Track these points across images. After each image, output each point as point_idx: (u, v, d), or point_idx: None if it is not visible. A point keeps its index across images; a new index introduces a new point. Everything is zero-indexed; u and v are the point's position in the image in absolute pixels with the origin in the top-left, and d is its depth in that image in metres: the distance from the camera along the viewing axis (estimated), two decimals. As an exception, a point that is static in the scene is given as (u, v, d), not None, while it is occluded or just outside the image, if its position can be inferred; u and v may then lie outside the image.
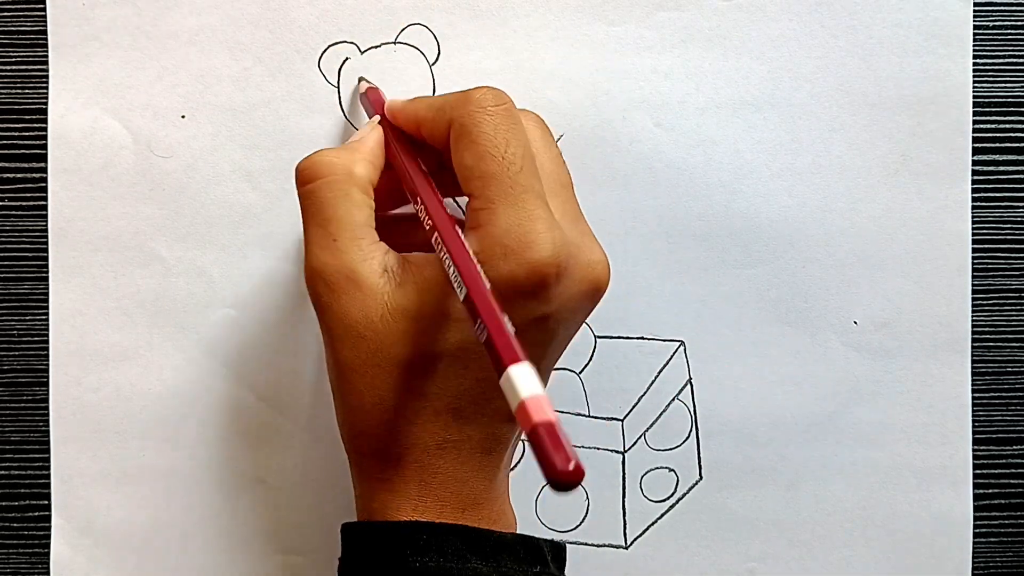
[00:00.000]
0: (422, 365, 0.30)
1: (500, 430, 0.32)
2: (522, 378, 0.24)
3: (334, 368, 0.32)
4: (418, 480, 0.31)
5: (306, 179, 0.32)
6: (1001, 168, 0.40)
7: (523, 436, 0.23)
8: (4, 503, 0.40)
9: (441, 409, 0.31)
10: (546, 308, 0.30)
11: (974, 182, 0.40)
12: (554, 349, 0.32)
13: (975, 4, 0.40)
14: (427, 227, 0.30)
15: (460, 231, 0.30)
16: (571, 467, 0.22)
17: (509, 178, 0.30)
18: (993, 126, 0.40)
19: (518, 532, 0.33)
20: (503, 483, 0.34)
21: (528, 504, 0.40)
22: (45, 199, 0.40)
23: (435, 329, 0.30)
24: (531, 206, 0.30)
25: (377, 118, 0.35)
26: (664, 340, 0.40)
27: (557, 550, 0.33)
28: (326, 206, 0.31)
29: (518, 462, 0.40)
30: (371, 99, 0.36)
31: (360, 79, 0.39)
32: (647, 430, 0.40)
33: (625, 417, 0.40)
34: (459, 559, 0.30)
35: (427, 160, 0.33)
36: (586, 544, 0.40)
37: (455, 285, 0.28)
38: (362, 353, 0.31)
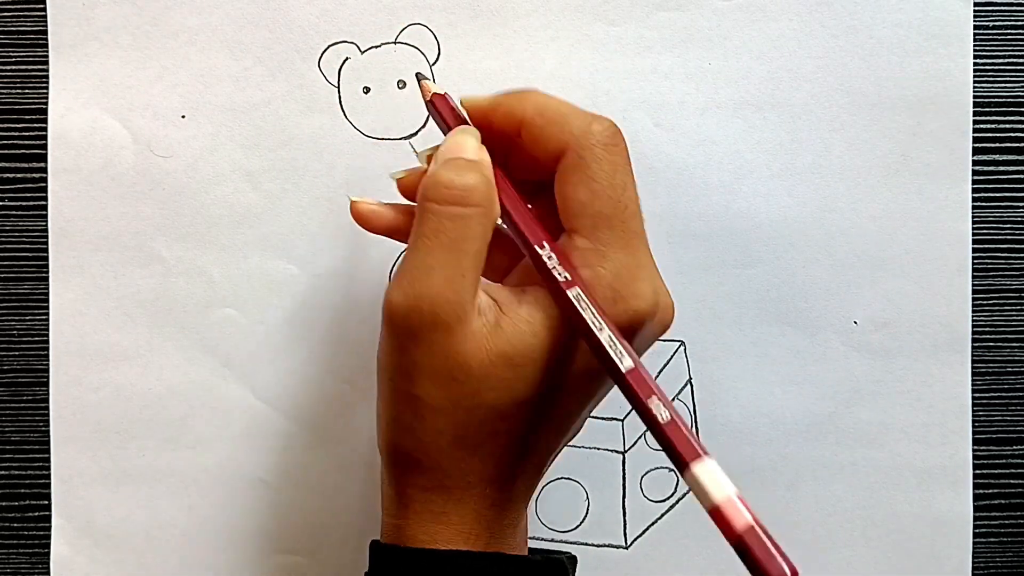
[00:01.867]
0: (514, 409, 0.29)
1: (546, 463, 0.32)
2: (713, 477, 0.24)
3: (406, 402, 0.29)
4: (475, 514, 0.30)
5: (457, 200, 0.28)
6: (1001, 168, 0.40)
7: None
8: (4, 503, 0.40)
9: (513, 445, 0.30)
10: None
11: (974, 182, 0.40)
12: (588, 409, 0.32)
13: (975, 4, 0.40)
14: (549, 273, 0.28)
15: (575, 277, 0.28)
16: (788, 572, 0.22)
17: (623, 224, 0.29)
18: (993, 126, 0.40)
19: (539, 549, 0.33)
20: (526, 514, 0.34)
21: (528, 504, 0.40)
22: (45, 199, 0.40)
23: (537, 377, 0.29)
24: (640, 254, 0.29)
25: (472, 129, 0.31)
26: (664, 340, 0.40)
27: (573, 563, 0.33)
28: (474, 238, 0.28)
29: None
30: (443, 106, 0.33)
31: (420, 77, 0.34)
32: (647, 430, 0.40)
33: (625, 417, 0.40)
34: None
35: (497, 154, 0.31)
36: (586, 544, 0.40)
37: (598, 354, 0.27)
38: (452, 395, 0.28)
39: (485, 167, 0.30)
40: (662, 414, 0.25)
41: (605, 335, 0.27)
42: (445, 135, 0.31)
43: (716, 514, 0.23)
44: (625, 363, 0.27)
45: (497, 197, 0.29)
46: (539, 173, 0.30)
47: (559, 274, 0.28)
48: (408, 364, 0.29)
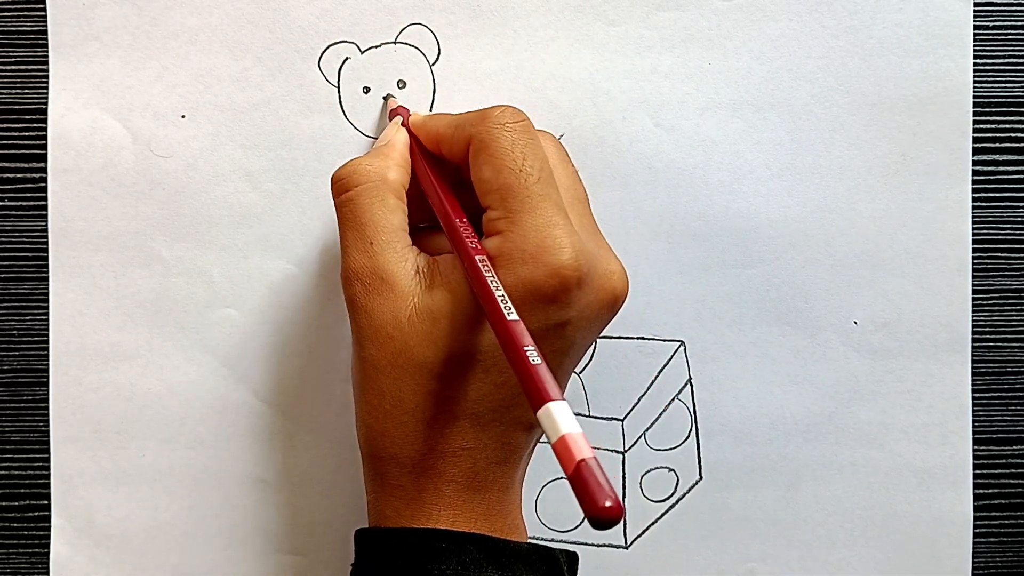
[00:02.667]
0: (444, 369, 0.31)
1: (516, 439, 0.32)
2: (561, 414, 0.25)
3: (358, 367, 0.32)
4: (433, 488, 0.31)
5: (343, 188, 0.33)
6: (1001, 168, 0.40)
7: (563, 475, 0.24)
8: (4, 503, 0.40)
9: (460, 414, 0.31)
10: (565, 314, 0.30)
11: (974, 182, 0.40)
12: (572, 358, 0.33)
13: (975, 4, 0.40)
14: (458, 242, 0.31)
15: (479, 243, 0.30)
16: (610, 504, 0.23)
17: (527, 188, 0.30)
18: (993, 126, 0.40)
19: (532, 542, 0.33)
20: (516, 495, 0.34)
21: (528, 504, 0.40)
22: (45, 199, 0.40)
23: (460, 332, 0.30)
24: (550, 213, 0.30)
25: (399, 119, 0.36)
26: (664, 340, 0.40)
27: (571, 560, 0.33)
28: (363, 212, 0.32)
29: (518, 462, 0.40)
30: (398, 114, 0.37)
31: (387, 96, 0.39)
32: (647, 430, 0.40)
33: (625, 417, 0.40)
34: (477, 568, 0.30)
35: (448, 177, 0.34)
36: (586, 544, 0.40)
37: (480, 299, 0.29)
38: (387, 353, 0.31)
39: (389, 148, 0.34)
40: (534, 358, 0.26)
41: (499, 294, 0.28)
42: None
43: (560, 446, 0.24)
44: (511, 316, 0.28)
45: (391, 172, 0.33)
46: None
47: (470, 244, 0.30)
48: (355, 332, 0.32)
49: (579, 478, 0.23)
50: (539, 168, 0.31)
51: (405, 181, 0.34)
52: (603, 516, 0.23)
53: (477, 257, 0.30)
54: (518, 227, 0.30)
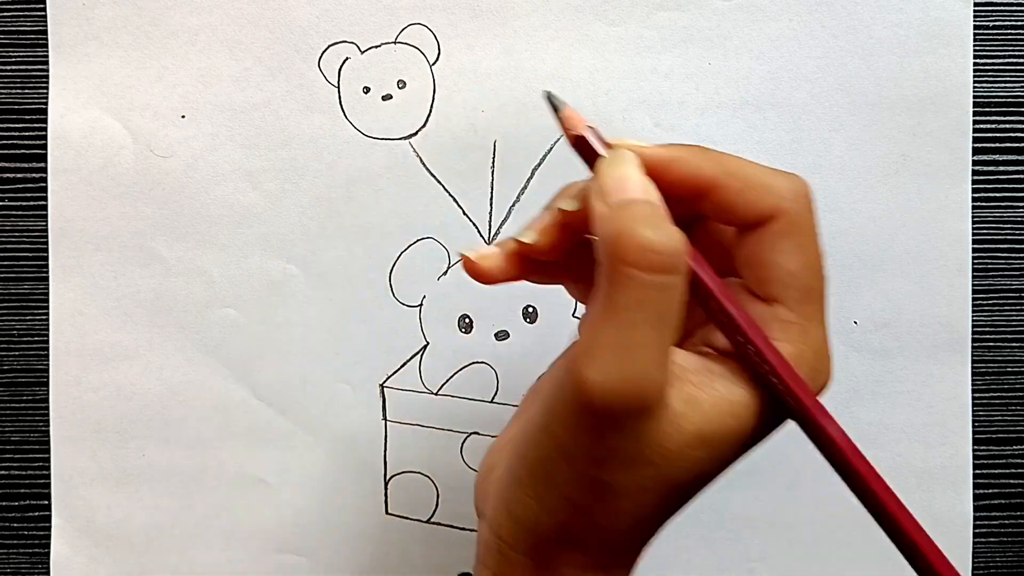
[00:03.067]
0: (693, 487, 0.27)
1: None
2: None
3: (594, 487, 0.26)
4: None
5: (668, 269, 0.24)
6: (1001, 168, 0.40)
7: None
8: (4, 503, 0.40)
9: (674, 507, 0.28)
10: None
11: (974, 182, 0.40)
12: None
13: (975, 4, 0.40)
14: (744, 345, 0.26)
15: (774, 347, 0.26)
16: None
17: (823, 297, 0.27)
18: (993, 126, 0.40)
19: None
20: None
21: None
22: (45, 199, 0.40)
23: (725, 456, 0.27)
24: (826, 329, 0.27)
25: (629, 156, 0.26)
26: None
27: None
28: (678, 312, 0.24)
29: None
30: (587, 143, 0.27)
31: (550, 97, 0.28)
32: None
33: (625, 417, 0.40)
34: None
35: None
36: (586, 544, 0.40)
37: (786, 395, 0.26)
38: (643, 478, 0.25)
39: (662, 213, 0.25)
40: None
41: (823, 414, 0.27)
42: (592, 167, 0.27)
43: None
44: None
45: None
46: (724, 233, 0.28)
47: (768, 356, 0.26)
48: (603, 450, 0.25)
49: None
50: (824, 273, 0.27)
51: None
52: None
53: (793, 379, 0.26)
54: (812, 341, 0.26)
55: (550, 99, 0.28)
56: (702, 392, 0.25)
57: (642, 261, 0.23)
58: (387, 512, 0.40)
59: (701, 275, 0.26)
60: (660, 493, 0.26)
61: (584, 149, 0.27)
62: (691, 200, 0.27)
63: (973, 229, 0.40)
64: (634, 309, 0.23)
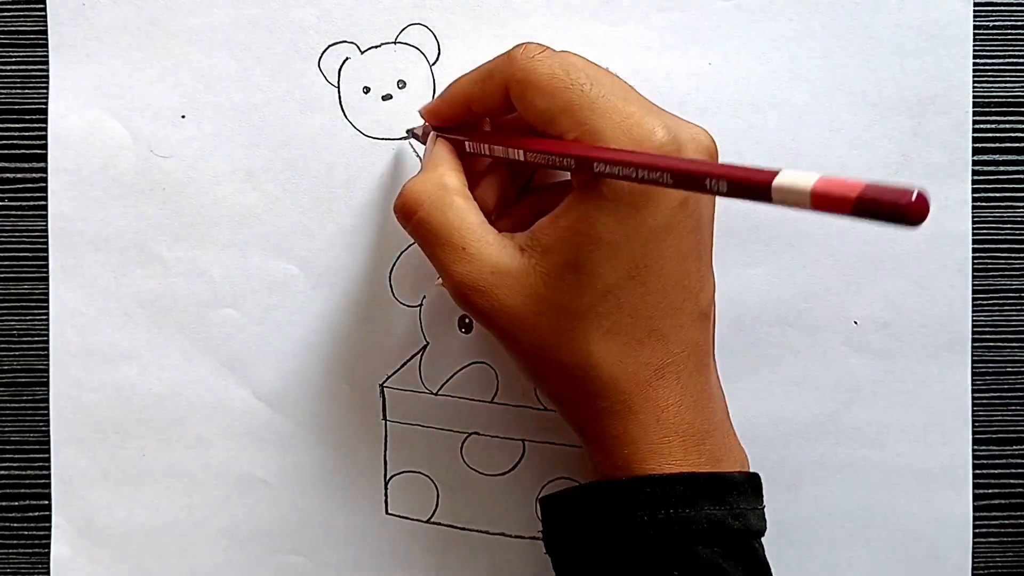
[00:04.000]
0: (606, 304, 0.31)
1: (699, 337, 0.32)
2: (798, 175, 0.23)
3: (523, 359, 0.33)
4: (654, 420, 0.31)
5: (409, 211, 0.33)
6: (1001, 168, 0.40)
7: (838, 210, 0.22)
8: (4, 503, 0.40)
9: (643, 337, 0.31)
10: (683, 191, 0.31)
11: (974, 182, 0.40)
12: (708, 232, 0.33)
13: (975, 4, 0.40)
14: (563, 162, 0.30)
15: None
16: (915, 197, 0.21)
17: (587, 96, 0.30)
18: (993, 126, 0.40)
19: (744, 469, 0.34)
20: (723, 411, 0.34)
21: (528, 504, 0.40)
22: (45, 199, 0.40)
23: (601, 264, 0.30)
24: (619, 107, 0.30)
25: (432, 134, 0.36)
26: (664, 340, 0.40)
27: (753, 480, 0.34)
28: (440, 224, 0.32)
29: (517, 463, 0.40)
30: (423, 130, 0.37)
31: (409, 131, 0.39)
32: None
33: (625, 417, 0.40)
34: (690, 506, 0.30)
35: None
36: (586, 544, 0.40)
37: (640, 179, 0.28)
38: (546, 330, 0.31)
39: (432, 160, 0.34)
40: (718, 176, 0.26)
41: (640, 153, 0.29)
42: None
43: (822, 195, 0.23)
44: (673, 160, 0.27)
45: (447, 178, 0.33)
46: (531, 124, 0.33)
47: (566, 162, 0.30)
48: (499, 334, 0.32)
49: (870, 198, 0.22)
50: (585, 77, 0.31)
51: (463, 182, 0.34)
52: (917, 208, 0.21)
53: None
54: (601, 133, 0.30)
55: (407, 132, 0.39)
56: (540, 245, 0.31)
57: (398, 221, 0.34)
58: (387, 512, 0.40)
59: (486, 145, 0.33)
60: (581, 328, 0.31)
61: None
62: (480, 114, 0.34)
63: (973, 229, 0.40)
64: (423, 246, 0.33)
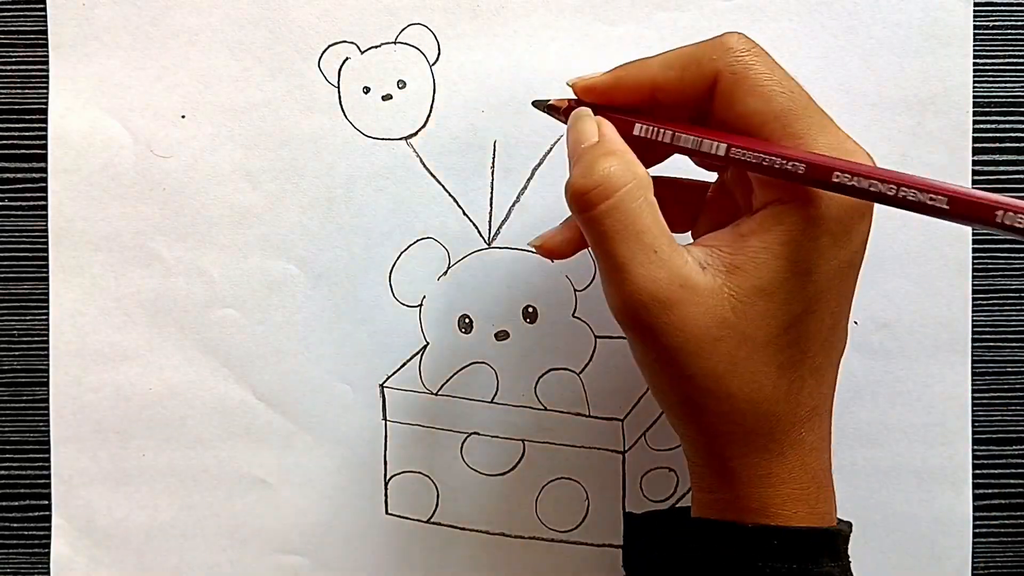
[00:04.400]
0: (788, 336, 0.29)
1: (836, 377, 0.31)
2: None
3: (684, 386, 0.29)
4: (800, 464, 0.30)
5: (602, 196, 0.28)
6: (1001, 168, 0.40)
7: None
8: (4, 503, 0.40)
9: (807, 375, 0.30)
10: (870, 222, 0.30)
11: (974, 182, 0.40)
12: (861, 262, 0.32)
13: (975, 4, 0.40)
14: (791, 167, 0.28)
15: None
16: None
17: (805, 108, 0.29)
18: (993, 126, 0.40)
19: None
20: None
21: (528, 504, 0.40)
22: (45, 199, 0.40)
23: (794, 294, 0.28)
24: (834, 126, 0.29)
25: (585, 112, 0.31)
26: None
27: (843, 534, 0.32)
28: (636, 219, 0.28)
29: (517, 463, 0.40)
30: (568, 107, 0.33)
31: (536, 103, 0.34)
32: (647, 430, 0.40)
33: (625, 417, 0.40)
34: (813, 561, 0.29)
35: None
36: (586, 544, 0.40)
37: (887, 201, 0.28)
38: (723, 356, 0.28)
39: (612, 143, 0.30)
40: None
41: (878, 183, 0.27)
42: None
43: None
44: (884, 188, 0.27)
45: (640, 168, 0.29)
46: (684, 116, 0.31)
47: (796, 166, 0.28)
48: (668, 356, 0.29)
49: None
50: (799, 87, 0.29)
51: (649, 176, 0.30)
52: None
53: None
54: (820, 149, 0.28)
55: (535, 105, 0.33)
56: (736, 256, 0.28)
57: (583, 205, 0.28)
58: (387, 512, 0.40)
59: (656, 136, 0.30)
60: (758, 358, 0.28)
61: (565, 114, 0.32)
62: (647, 103, 0.30)
63: (973, 229, 0.40)
64: (602, 242, 0.28)
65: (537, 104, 0.34)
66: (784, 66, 0.39)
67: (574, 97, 0.32)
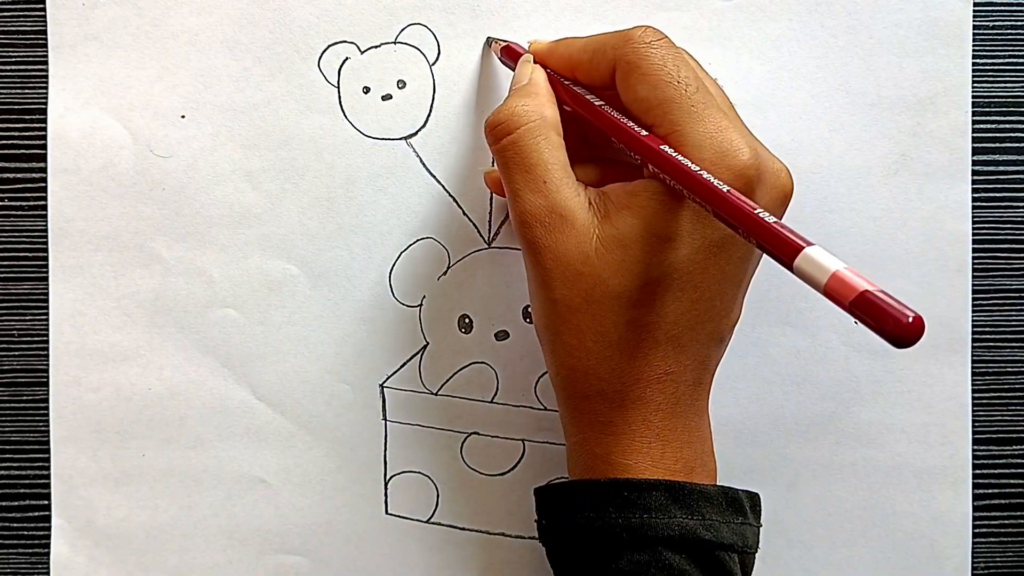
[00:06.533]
0: (641, 295, 0.31)
1: (709, 356, 0.33)
2: (824, 255, 0.24)
3: (549, 308, 0.32)
4: (642, 419, 0.32)
5: (504, 131, 0.33)
6: (1001, 168, 0.40)
7: (850, 311, 0.24)
8: (4, 503, 0.40)
9: (661, 339, 0.31)
10: None
11: (974, 182, 0.40)
12: (753, 265, 0.33)
13: (975, 4, 0.40)
14: (634, 155, 0.31)
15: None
16: (912, 318, 0.22)
17: (688, 98, 0.31)
18: (993, 126, 0.40)
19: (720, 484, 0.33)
20: (706, 427, 0.34)
21: (528, 504, 0.40)
22: (45, 199, 0.40)
23: (649, 255, 0.31)
24: (717, 119, 0.31)
25: (529, 57, 0.36)
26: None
27: (753, 501, 0.34)
28: (530, 152, 0.32)
29: (517, 463, 0.40)
30: (511, 52, 0.37)
31: (490, 39, 0.39)
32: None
33: (625, 417, 0.40)
34: (663, 513, 0.31)
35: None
36: (586, 544, 0.40)
37: (689, 197, 0.29)
38: (581, 289, 0.31)
39: (535, 87, 0.34)
40: (767, 217, 0.26)
41: (705, 175, 0.29)
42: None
43: (836, 283, 0.24)
44: (724, 188, 0.28)
45: (547, 109, 0.33)
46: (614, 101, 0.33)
47: (669, 152, 0.30)
48: (539, 273, 0.32)
49: (869, 303, 0.23)
50: (694, 78, 0.31)
51: (558, 117, 0.33)
52: (908, 333, 0.22)
53: (661, 147, 0.30)
54: (690, 137, 0.30)
55: (488, 42, 0.39)
56: (607, 205, 0.32)
57: (491, 139, 0.33)
58: (387, 512, 0.40)
59: (568, 100, 0.34)
60: (604, 303, 0.31)
61: (510, 57, 0.37)
62: (580, 80, 0.34)
63: (973, 229, 0.40)
64: (504, 169, 0.33)
65: (491, 40, 0.39)
66: (784, 66, 0.40)
67: (516, 42, 0.37)
